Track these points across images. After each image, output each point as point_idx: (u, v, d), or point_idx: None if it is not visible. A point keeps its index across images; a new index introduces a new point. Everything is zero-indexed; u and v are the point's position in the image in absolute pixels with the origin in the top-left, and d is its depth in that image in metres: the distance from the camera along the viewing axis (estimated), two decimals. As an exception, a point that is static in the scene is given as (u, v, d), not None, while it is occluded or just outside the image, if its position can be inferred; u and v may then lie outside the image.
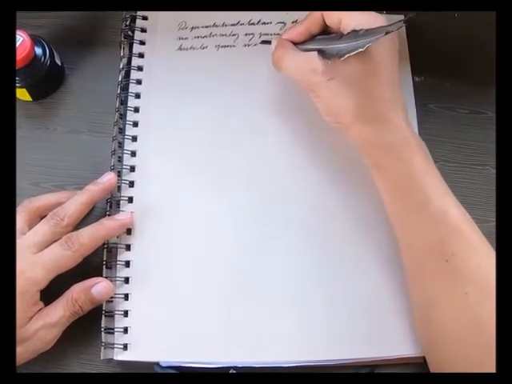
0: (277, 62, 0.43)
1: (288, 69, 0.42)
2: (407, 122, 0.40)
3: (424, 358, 0.44)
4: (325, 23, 0.42)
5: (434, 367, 0.41)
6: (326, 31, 0.43)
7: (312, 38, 0.43)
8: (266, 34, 0.50)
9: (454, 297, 0.38)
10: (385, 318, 0.44)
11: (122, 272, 0.45)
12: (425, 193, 0.39)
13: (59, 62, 0.50)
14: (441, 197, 0.39)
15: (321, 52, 0.40)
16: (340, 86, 0.39)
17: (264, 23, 0.51)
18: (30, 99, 0.50)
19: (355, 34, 0.38)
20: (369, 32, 0.37)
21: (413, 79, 0.51)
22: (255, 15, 0.51)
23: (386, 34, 0.36)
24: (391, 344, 0.44)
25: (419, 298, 0.41)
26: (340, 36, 0.40)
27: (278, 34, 0.50)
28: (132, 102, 0.49)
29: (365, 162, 0.42)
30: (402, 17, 0.37)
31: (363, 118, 0.40)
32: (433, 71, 0.52)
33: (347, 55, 0.37)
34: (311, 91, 0.41)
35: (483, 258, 0.38)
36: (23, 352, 0.40)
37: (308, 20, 0.43)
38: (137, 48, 0.50)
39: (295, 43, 0.43)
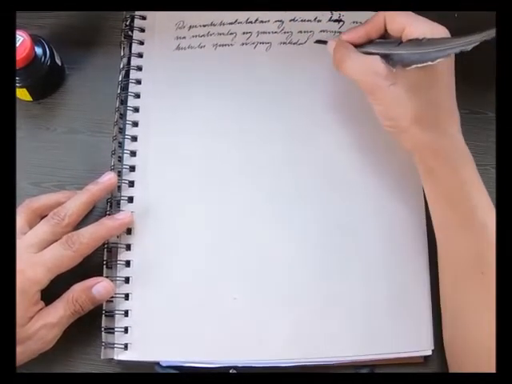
0: (339, 62, 0.43)
1: (350, 70, 0.42)
2: (460, 132, 0.42)
3: (424, 357, 0.44)
4: (385, 29, 0.42)
5: (455, 370, 0.42)
6: (384, 36, 0.43)
7: (370, 41, 0.43)
8: (263, 33, 0.50)
9: (486, 308, 0.38)
10: (385, 317, 0.44)
11: (123, 272, 0.45)
12: (471, 203, 0.40)
13: (59, 62, 0.50)
14: (484, 209, 0.40)
15: (384, 57, 0.40)
16: (402, 91, 0.40)
17: (262, 22, 0.51)
18: (30, 99, 0.50)
19: (418, 42, 0.38)
20: (431, 42, 0.38)
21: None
22: (253, 14, 0.50)
23: (460, 52, 0.36)
24: (391, 343, 0.44)
25: (451, 304, 0.42)
26: (399, 42, 0.40)
27: (275, 33, 0.50)
28: (132, 102, 0.49)
29: (417, 167, 0.42)
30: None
31: (420, 124, 0.40)
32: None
33: (414, 66, 0.37)
34: (371, 94, 0.41)
35: None
36: (23, 352, 0.40)
37: (369, 24, 0.43)
38: (136, 48, 0.50)
39: (353, 45, 0.43)
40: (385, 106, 0.41)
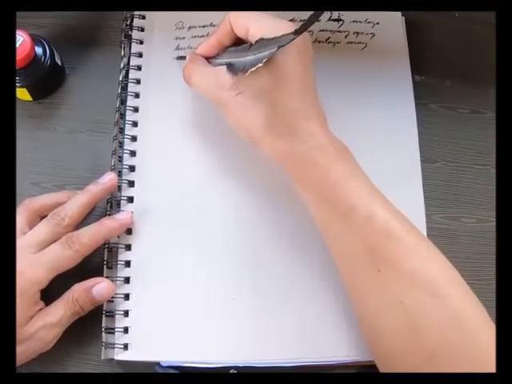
0: (187, 78, 0.43)
1: (198, 85, 0.42)
2: (323, 128, 0.39)
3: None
4: (236, 34, 0.41)
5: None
6: (239, 42, 0.42)
7: (224, 50, 0.42)
8: None
9: (389, 308, 0.37)
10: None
11: (123, 272, 0.45)
12: (347, 200, 0.38)
13: (59, 62, 0.50)
14: (365, 203, 0.38)
15: (229, 66, 0.38)
16: (248, 99, 0.38)
17: None
18: (30, 99, 0.50)
19: (262, 43, 0.37)
20: (274, 41, 0.36)
21: (413, 78, 0.51)
22: None
23: (278, 48, 0.35)
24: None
25: (359, 310, 0.41)
26: (249, 46, 0.38)
27: None
28: (131, 102, 0.49)
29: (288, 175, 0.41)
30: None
31: (274, 131, 0.39)
32: (433, 71, 0.52)
33: (250, 70, 0.35)
34: (222, 106, 0.41)
35: (421, 260, 0.37)
36: (23, 352, 0.40)
37: (218, 32, 0.42)
38: (135, 47, 0.50)
39: (209, 57, 0.42)
40: (235, 117, 0.40)
